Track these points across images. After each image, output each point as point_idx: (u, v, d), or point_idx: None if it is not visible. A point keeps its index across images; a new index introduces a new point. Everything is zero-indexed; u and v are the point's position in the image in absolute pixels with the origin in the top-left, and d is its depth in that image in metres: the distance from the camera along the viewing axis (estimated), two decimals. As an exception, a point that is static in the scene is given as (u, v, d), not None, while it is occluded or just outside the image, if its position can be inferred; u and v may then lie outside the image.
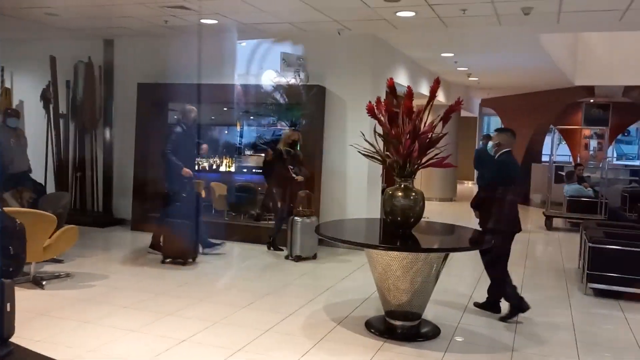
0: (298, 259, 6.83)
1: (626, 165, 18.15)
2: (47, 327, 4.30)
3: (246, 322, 4.61)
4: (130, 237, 8.20)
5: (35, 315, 4.53)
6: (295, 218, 6.90)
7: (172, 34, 8.05)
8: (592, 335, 4.71)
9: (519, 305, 4.91)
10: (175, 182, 6.73)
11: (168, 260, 6.46)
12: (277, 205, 7.43)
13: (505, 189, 4.91)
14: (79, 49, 8.88)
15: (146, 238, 7.14)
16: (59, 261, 6.22)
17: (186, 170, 6.68)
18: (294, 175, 7.10)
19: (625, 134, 23.24)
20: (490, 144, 7.04)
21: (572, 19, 6.46)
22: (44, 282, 5.37)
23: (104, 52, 8.93)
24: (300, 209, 6.91)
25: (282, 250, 7.25)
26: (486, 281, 5.26)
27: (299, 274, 6.25)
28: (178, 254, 6.46)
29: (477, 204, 5.18)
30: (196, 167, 12.07)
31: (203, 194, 8.32)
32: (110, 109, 8.97)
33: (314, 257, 6.96)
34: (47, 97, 9.00)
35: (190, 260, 6.49)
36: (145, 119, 8.58)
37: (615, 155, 24.85)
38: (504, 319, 4.93)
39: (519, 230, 5.06)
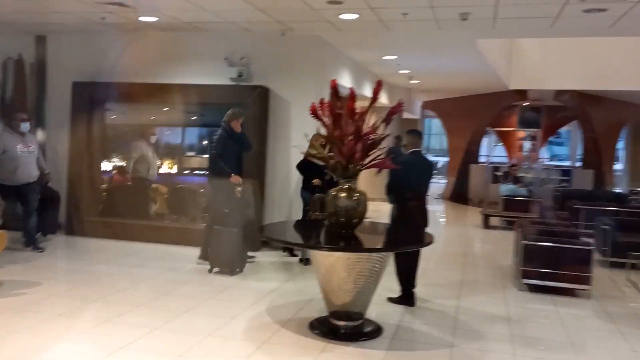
0: (307, 262, 6.74)
1: (557, 166, 19.04)
2: (-28, 339, 4.05)
3: (187, 328, 4.52)
4: (65, 242, 7.85)
5: (-42, 327, 4.26)
6: None
7: (109, 31, 7.78)
8: (527, 329, 4.90)
9: (409, 297, 5.31)
10: (221, 188, 6.46)
11: (215, 270, 6.27)
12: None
13: (407, 186, 5.27)
14: (8, 45, 8.43)
15: (82, 243, 6.88)
16: (-14, 268, 5.89)
17: (235, 177, 6.37)
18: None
19: (557, 136, 24.41)
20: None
21: (507, 25, 6.71)
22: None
23: (36, 49, 8.51)
24: (317, 212, 6.69)
25: (296, 255, 7.14)
26: (428, 278, 5.38)
27: (242, 277, 6.18)
28: (224, 263, 6.25)
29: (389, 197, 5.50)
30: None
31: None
32: (43, 109, 8.56)
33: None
34: (-26, 96, 8.51)
35: (238, 270, 6.29)
36: (80, 119, 8.25)
37: (548, 156, 26.08)
38: (392, 299, 5.35)
39: (424, 225, 5.31)
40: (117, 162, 12.03)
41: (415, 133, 5.65)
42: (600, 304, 5.68)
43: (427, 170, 5.63)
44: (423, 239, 4.80)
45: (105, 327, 4.44)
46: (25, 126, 6.96)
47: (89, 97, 8.25)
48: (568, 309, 5.49)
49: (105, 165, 11.54)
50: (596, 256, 7.32)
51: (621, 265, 7.03)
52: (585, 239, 6.27)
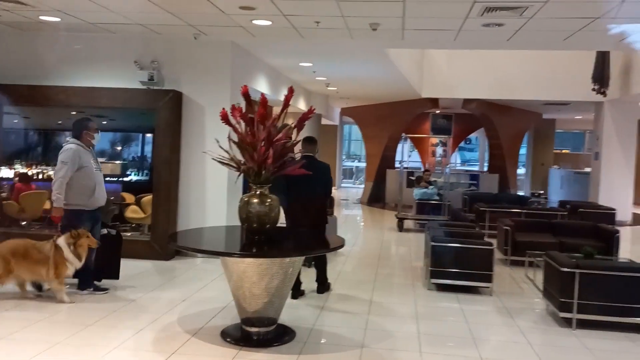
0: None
1: (467, 170, 20.07)
2: None
3: (92, 341, 4.32)
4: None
5: None
6: None
7: (7, 31, 7.31)
8: (433, 327, 5.12)
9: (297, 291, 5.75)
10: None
11: None
12: None
13: (290, 189, 5.60)
14: None
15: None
16: None
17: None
18: None
19: (468, 142, 25.75)
20: None
21: (414, 36, 7.01)
22: None
23: None
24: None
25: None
26: (343, 280, 5.47)
27: (152, 287, 6.00)
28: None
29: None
30: (39, 176, 11.11)
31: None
32: None
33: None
34: None
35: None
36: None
37: (459, 161, 27.43)
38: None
39: (307, 224, 5.69)
40: (20, 169, 11.30)
41: (308, 139, 5.99)
42: (501, 300, 6.04)
43: (319, 173, 5.86)
44: (333, 243, 4.90)
45: (-1, 345, 4.15)
46: (97, 137, 5.81)
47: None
48: (472, 306, 5.80)
49: (6, 173, 10.81)
50: (498, 255, 7.80)
51: (521, 264, 7.52)
52: (487, 240, 6.64)
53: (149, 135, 10.12)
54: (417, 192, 11.57)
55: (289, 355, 4.22)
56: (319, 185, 5.92)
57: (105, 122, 12.14)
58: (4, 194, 9.30)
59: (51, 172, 11.47)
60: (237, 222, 4.74)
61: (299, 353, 4.27)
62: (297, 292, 5.77)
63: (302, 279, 5.88)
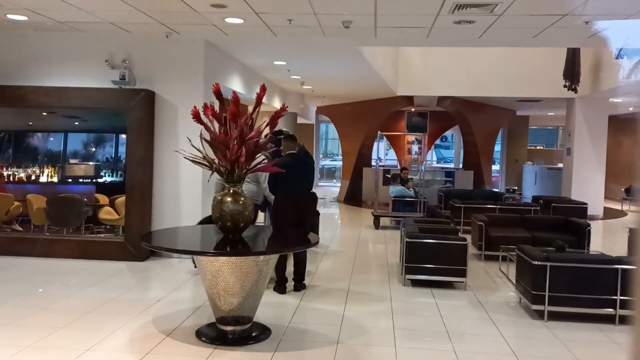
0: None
1: (442, 168, 20.26)
2: None
3: (63, 344, 4.25)
4: None
5: None
6: None
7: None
8: (408, 321, 5.17)
9: (281, 285, 5.89)
10: None
11: None
12: None
13: (279, 186, 5.81)
14: None
15: None
16: None
17: None
18: None
19: (443, 140, 26.00)
20: None
21: (387, 34, 7.04)
22: None
23: None
24: None
25: None
26: (320, 278, 5.47)
27: (127, 288, 5.93)
28: None
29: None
30: (10, 179, 10.87)
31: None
32: None
33: None
34: None
35: None
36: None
37: (436, 158, 27.69)
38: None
39: (293, 220, 5.79)
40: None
41: (288, 138, 6.18)
42: (475, 294, 6.12)
43: (304, 169, 6.10)
44: (307, 240, 4.90)
45: (-34, 351, 4.06)
46: None
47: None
48: (446, 301, 5.86)
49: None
50: (473, 250, 7.90)
51: (495, 258, 7.63)
52: (460, 235, 6.72)
53: (123, 135, 9.99)
54: (393, 189, 11.64)
55: (265, 353, 4.21)
56: (307, 180, 6.17)
57: (77, 123, 11.99)
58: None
59: (22, 174, 11.27)
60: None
61: (274, 350, 4.26)
62: (284, 287, 5.91)
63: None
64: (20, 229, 8.92)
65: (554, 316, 5.22)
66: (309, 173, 6.25)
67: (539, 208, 10.32)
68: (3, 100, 7.47)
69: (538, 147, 23.52)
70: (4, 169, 11.29)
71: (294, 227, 5.75)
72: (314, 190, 6.66)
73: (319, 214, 8.35)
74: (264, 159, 5.35)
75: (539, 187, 16.46)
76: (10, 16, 6.46)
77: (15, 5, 5.97)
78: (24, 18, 6.50)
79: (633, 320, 1.08)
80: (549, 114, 18.65)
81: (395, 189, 11.54)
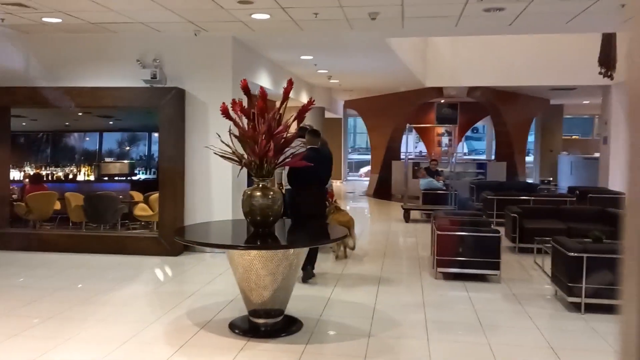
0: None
1: (474, 159, 19.96)
2: None
3: (102, 337, 4.37)
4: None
5: None
6: None
7: (11, 33, 7.37)
8: (441, 315, 5.12)
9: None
10: None
11: None
12: None
13: (301, 179, 5.92)
14: None
15: None
16: None
17: None
18: None
19: (475, 131, 25.61)
20: None
21: (414, 25, 6.97)
22: None
23: None
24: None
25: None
26: (351, 271, 5.47)
27: (162, 282, 6.06)
28: None
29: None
30: (49, 177, 11.21)
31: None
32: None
33: None
34: None
35: None
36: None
37: (466, 150, 27.30)
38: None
39: (315, 213, 6.00)
40: (30, 170, 11.42)
41: (311, 132, 6.30)
42: (509, 287, 6.02)
43: (323, 163, 6.20)
44: (334, 234, 4.92)
45: (12, 342, 4.20)
46: None
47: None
48: (479, 294, 5.78)
49: (16, 175, 10.92)
50: (506, 243, 7.78)
51: (529, 250, 7.49)
52: (493, 227, 6.62)
53: (155, 134, 10.19)
54: (422, 182, 11.54)
55: (297, 345, 4.24)
56: (326, 175, 6.30)
57: (111, 123, 12.25)
58: (14, 195, 9.41)
59: (60, 173, 11.59)
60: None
61: (306, 343, 4.29)
62: (309, 274, 6.04)
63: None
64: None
65: (591, 308, 5.10)
66: (327, 168, 6.41)
67: (574, 199, 10.07)
68: (40, 101, 7.69)
69: (573, 137, 22.93)
70: (43, 168, 11.64)
71: (313, 218, 5.89)
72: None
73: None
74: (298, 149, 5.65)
75: (575, 178, 16.07)
76: (45, 19, 6.64)
77: (50, 8, 6.14)
78: (59, 20, 6.67)
79: (622, 310, 1.05)
80: (584, 102, 18.15)
81: (424, 182, 11.44)
